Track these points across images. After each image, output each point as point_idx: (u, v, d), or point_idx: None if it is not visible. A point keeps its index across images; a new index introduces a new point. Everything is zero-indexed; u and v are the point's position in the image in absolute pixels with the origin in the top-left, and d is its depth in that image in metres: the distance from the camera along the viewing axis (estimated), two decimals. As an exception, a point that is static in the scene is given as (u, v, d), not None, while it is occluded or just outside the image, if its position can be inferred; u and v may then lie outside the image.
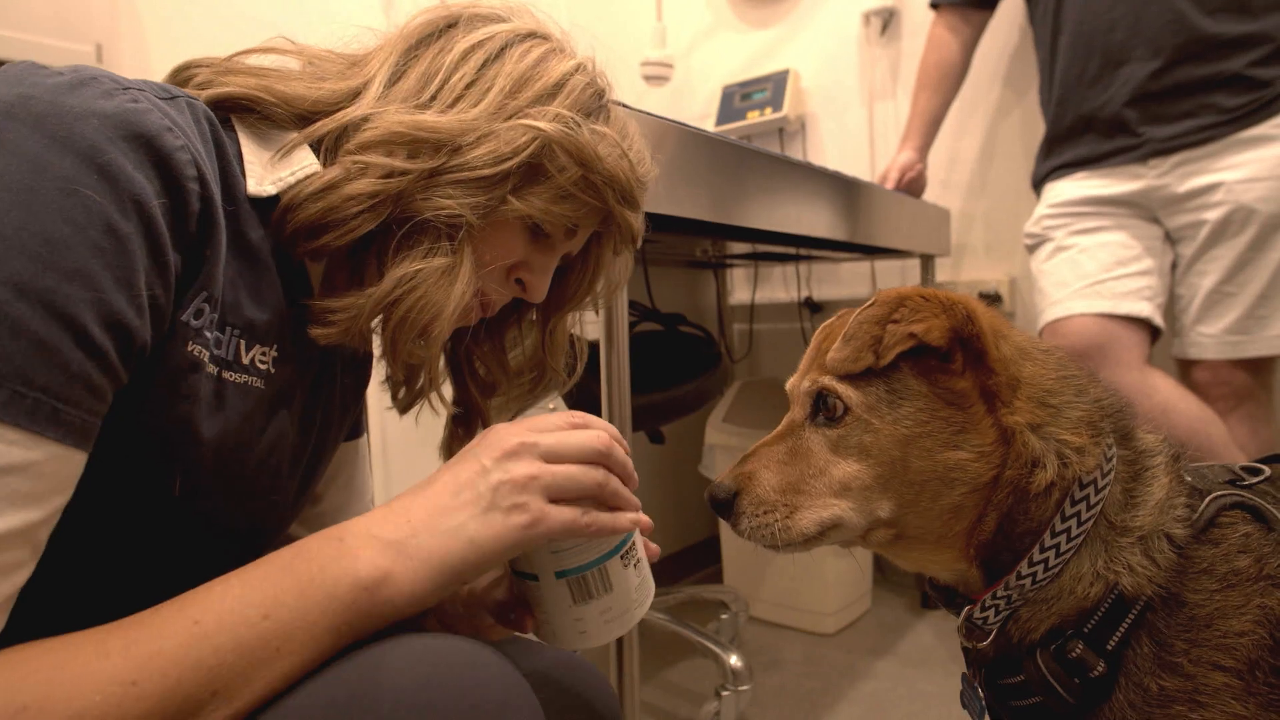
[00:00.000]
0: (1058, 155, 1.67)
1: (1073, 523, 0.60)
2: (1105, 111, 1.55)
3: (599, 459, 0.58)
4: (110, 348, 0.44)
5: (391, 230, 0.60)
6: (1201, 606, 0.58)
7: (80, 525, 0.48)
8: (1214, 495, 0.62)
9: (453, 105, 0.62)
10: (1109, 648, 0.59)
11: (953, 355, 0.63)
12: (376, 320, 0.63)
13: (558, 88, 0.65)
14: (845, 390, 0.64)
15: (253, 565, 0.48)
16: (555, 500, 0.55)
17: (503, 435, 0.56)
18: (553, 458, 0.56)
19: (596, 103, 0.69)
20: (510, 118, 0.63)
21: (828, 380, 0.65)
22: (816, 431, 0.66)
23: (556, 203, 0.65)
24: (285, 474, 0.65)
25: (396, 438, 1.77)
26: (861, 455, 0.64)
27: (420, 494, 0.54)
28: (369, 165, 0.58)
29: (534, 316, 0.81)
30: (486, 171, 0.61)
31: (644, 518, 0.61)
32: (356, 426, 0.81)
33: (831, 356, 0.65)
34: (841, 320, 0.70)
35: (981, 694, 0.68)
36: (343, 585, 0.48)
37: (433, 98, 0.62)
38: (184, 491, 0.53)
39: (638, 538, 0.64)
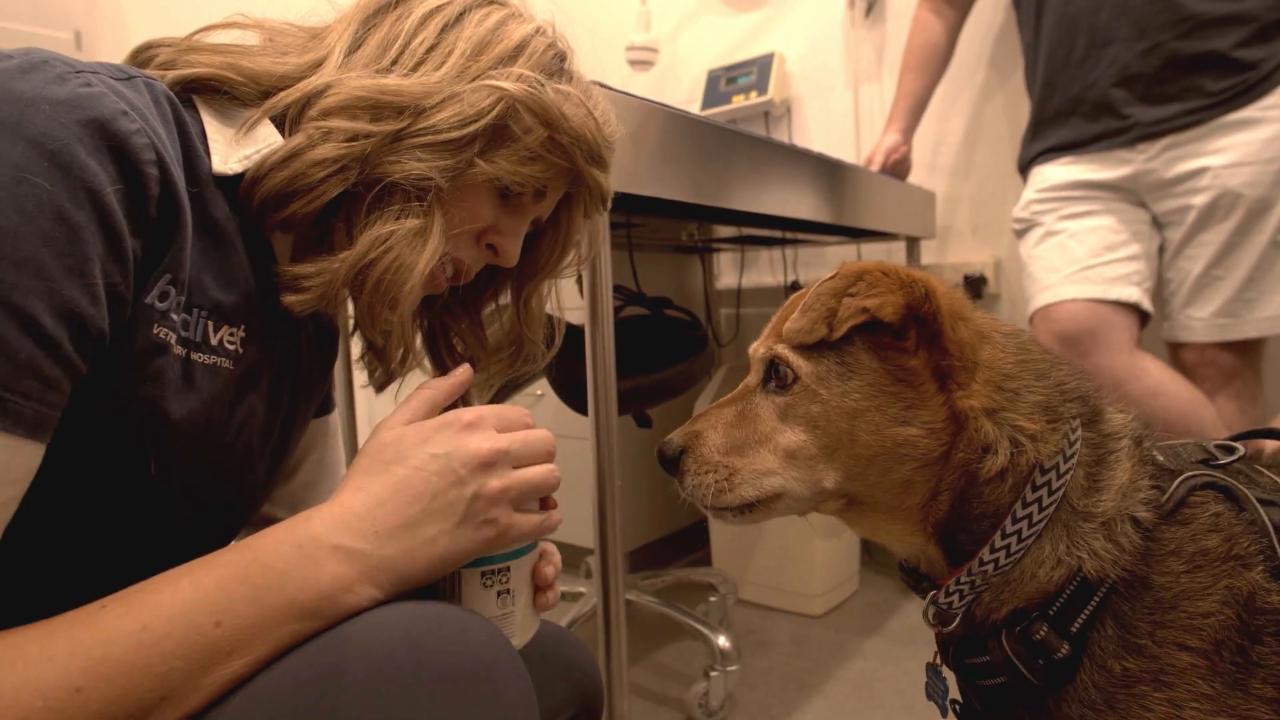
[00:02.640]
0: (1044, 139, 1.67)
1: (1034, 509, 0.60)
2: (1092, 93, 1.55)
3: (551, 459, 0.59)
4: (64, 338, 0.43)
5: (360, 195, 0.60)
6: (1167, 589, 0.57)
7: (53, 508, 0.47)
8: (1185, 476, 0.61)
9: (414, 69, 0.62)
10: (1073, 630, 0.59)
11: (906, 333, 0.63)
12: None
13: (519, 49, 0.65)
14: (796, 359, 0.65)
15: (206, 565, 0.47)
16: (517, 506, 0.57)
17: (473, 441, 0.54)
18: (521, 463, 0.57)
19: (558, 64, 0.69)
20: (473, 80, 0.62)
21: (781, 348, 0.66)
22: (767, 397, 0.67)
23: (524, 164, 0.65)
24: (256, 452, 0.64)
25: (382, 415, 1.77)
26: (808, 425, 0.64)
27: (387, 495, 0.52)
28: (332, 130, 0.58)
29: (510, 289, 0.80)
30: (453, 134, 0.61)
31: (554, 515, 0.60)
32: (326, 403, 0.82)
33: (788, 326, 0.65)
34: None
35: (946, 682, 0.69)
36: (305, 595, 0.47)
37: (394, 62, 0.62)
38: (156, 470, 0.53)
39: (522, 570, 0.60)
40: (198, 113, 0.58)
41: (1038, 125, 1.69)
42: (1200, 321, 1.49)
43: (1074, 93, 1.58)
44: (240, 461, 0.62)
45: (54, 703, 0.40)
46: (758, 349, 0.69)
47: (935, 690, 0.71)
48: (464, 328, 0.79)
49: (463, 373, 0.62)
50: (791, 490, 0.65)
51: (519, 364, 0.82)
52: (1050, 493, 0.60)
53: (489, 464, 0.54)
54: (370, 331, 0.64)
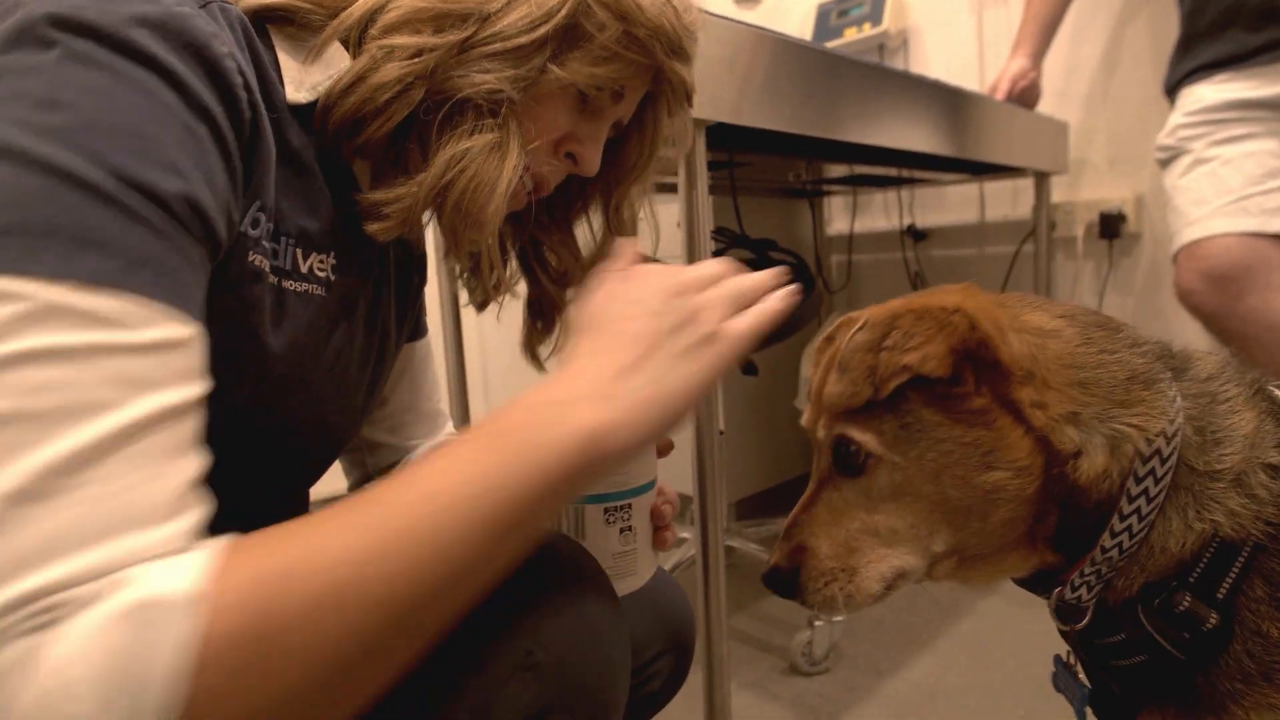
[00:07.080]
0: (1196, 55, 1.50)
1: (1149, 481, 0.54)
2: (1253, -1, 1.37)
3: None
4: (203, 237, 0.44)
5: (431, 113, 0.58)
6: None
7: None
8: None
9: None
10: (1219, 596, 0.53)
11: (962, 376, 0.56)
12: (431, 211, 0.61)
13: None
14: (860, 435, 0.59)
15: (450, 448, 0.44)
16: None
17: (649, 284, 0.54)
18: (703, 285, 0.55)
19: None
20: None
21: (840, 427, 0.60)
22: (846, 482, 0.61)
23: (600, 65, 0.62)
24: (353, 378, 0.65)
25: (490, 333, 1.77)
26: (896, 497, 0.59)
27: (595, 356, 0.51)
28: (394, 48, 0.56)
29: (599, 198, 0.78)
30: (522, 40, 0.58)
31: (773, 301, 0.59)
32: (417, 328, 0.82)
33: (828, 391, 0.59)
34: (842, 331, 0.63)
35: (1086, 687, 0.63)
36: (567, 440, 0.45)
37: None
38: (253, 400, 0.53)
39: (642, 508, 0.60)
40: (270, 41, 0.57)
41: (1189, 40, 1.52)
42: None
43: (1233, 0, 1.41)
44: (337, 387, 0.63)
45: (361, 570, 0.38)
46: (815, 428, 0.63)
47: (1068, 687, 0.66)
48: (556, 241, 0.77)
49: (628, 244, 0.61)
50: (909, 565, 0.60)
51: None
52: (1162, 460, 0.54)
53: (678, 291, 0.54)
54: (456, 252, 0.63)
